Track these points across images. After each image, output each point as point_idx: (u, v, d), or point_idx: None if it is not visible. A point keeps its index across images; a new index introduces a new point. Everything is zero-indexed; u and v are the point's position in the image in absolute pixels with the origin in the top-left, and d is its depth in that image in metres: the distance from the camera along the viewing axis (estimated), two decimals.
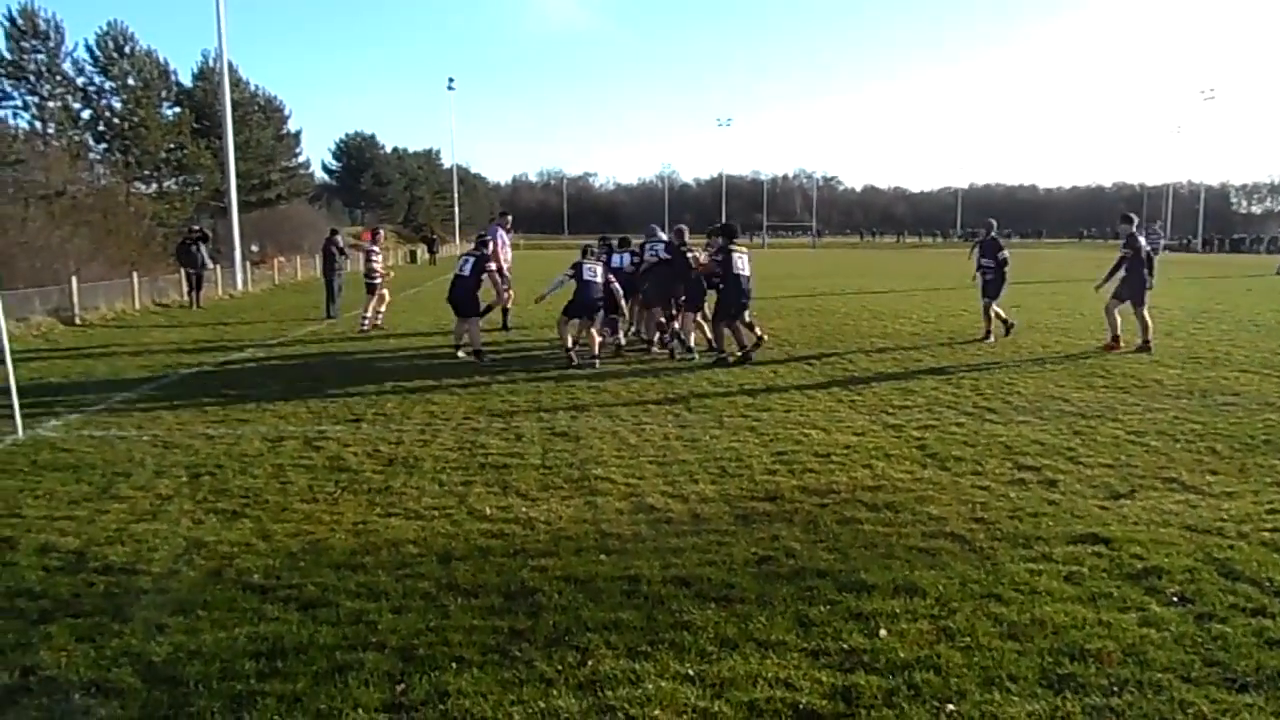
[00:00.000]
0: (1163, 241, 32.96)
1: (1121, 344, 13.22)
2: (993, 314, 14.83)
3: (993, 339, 14.48)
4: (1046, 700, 3.45)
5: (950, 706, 3.40)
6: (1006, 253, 14.74)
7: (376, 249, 18.10)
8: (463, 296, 12.78)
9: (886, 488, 6.39)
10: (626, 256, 14.04)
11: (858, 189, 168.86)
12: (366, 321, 16.64)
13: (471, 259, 13.12)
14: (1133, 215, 13.97)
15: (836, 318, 18.74)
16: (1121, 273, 13.51)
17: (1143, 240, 13.54)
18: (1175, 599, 4.42)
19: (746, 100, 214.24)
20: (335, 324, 18.36)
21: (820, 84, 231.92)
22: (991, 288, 14.76)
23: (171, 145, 41.14)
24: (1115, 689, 3.53)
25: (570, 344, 12.41)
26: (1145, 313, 13.21)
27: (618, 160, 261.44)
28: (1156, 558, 4.94)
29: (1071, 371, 11.55)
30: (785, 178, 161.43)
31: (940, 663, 3.74)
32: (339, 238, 20.49)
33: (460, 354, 12.95)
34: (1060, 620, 4.15)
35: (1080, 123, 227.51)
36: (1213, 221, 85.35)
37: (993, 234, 15.11)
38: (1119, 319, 13.45)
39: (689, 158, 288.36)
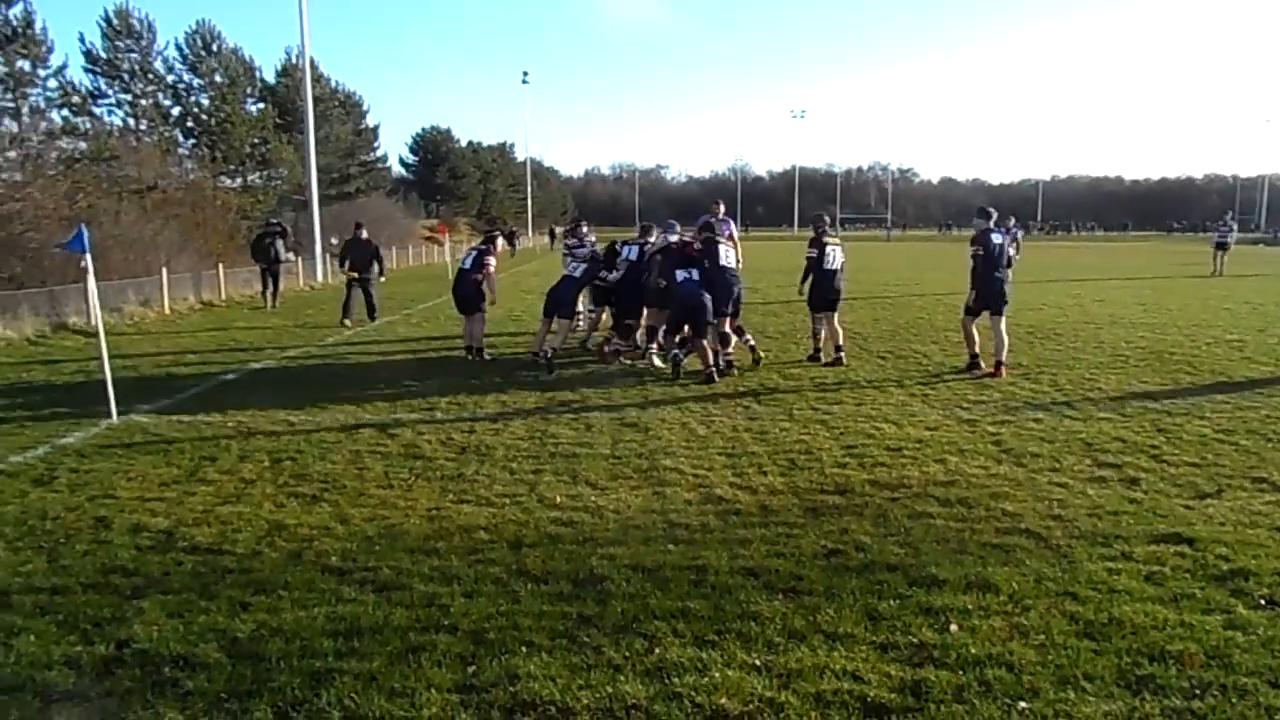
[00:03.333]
0: (1233, 236, 31.38)
1: (983, 365, 10.81)
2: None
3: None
4: (1124, 701, 3.37)
5: (1023, 704, 3.34)
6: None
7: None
8: (466, 292, 12.47)
9: (960, 483, 6.28)
10: (635, 249, 12.37)
11: (934, 181, 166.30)
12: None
13: (475, 253, 12.79)
14: (990, 209, 11.15)
15: (911, 311, 18.45)
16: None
17: (998, 237, 10.80)
18: (1263, 601, 4.27)
19: (821, 92, 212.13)
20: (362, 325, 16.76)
21: (896, 74, 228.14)
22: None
23: (255, 140, 42.44)
24: (1197, 691, 3.43)
25: (540, 343, 11.83)
26: (1003, 327, 10.70)
27: (690, 153, 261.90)
28: (1244, 559, 4.77)
29: (1156, 367, 11.18)
30: (860, 170, 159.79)
31: (1013, 660, 3.68)
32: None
33: (485, 355, 12.43)
34: (1140, 620, 4.04)
35: (1170, 112, 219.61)
36: None
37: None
38: (975, 334, 10.94)
39: (762, 150, 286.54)
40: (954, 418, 8.44)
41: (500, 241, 13.54)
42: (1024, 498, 5.93)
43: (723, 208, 13.65)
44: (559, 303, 12.11)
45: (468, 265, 12.62)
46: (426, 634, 3.97)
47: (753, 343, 11.72)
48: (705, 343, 10.60)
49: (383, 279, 18.47)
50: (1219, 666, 3.62)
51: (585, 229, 14.73)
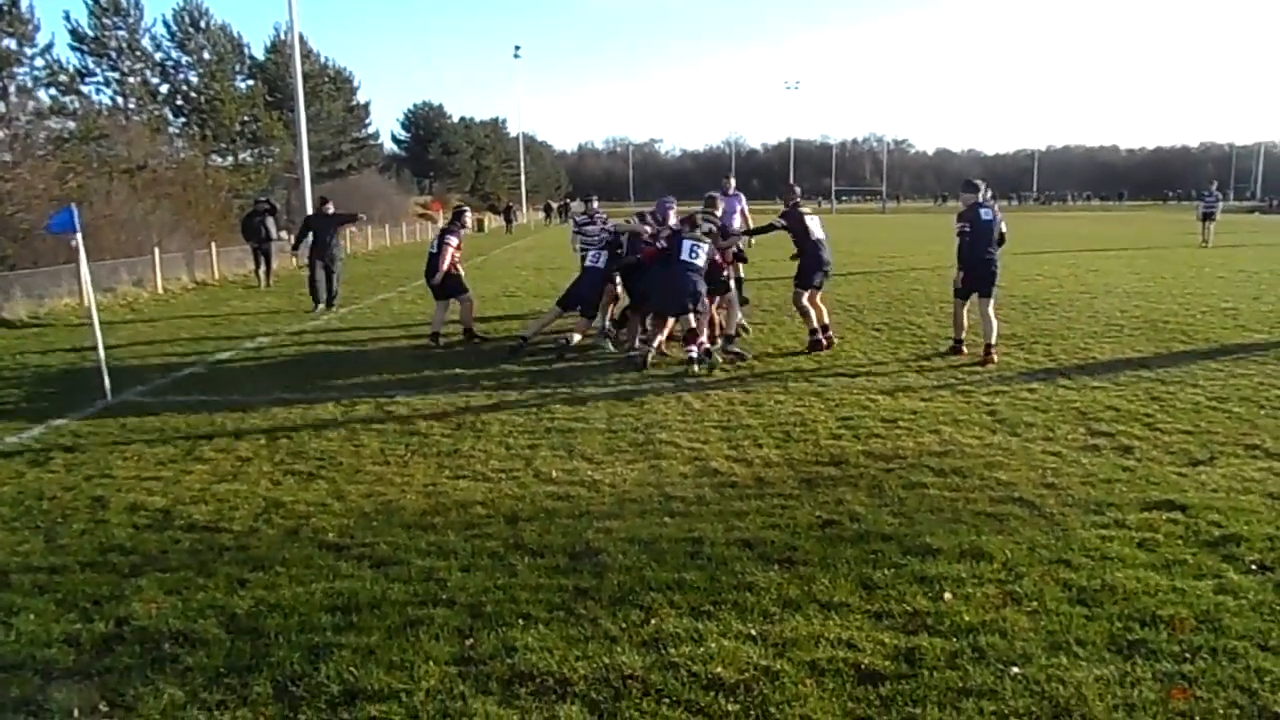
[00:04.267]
0: (1220, 206, 31.30)
1: (966, 350, 10.13)
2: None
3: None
4: (1115, 665, 3.40)
5: (1015, 669, 3.38)
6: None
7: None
8: (433, 277, 11.77)
9: (954, 453, 6.31)
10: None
11: (930, 152, 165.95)
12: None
13: (439, 234, 12.12)
14: (978, 182, 10.28)
15: (905, 283, 18.44)
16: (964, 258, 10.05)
17: (987, 213, 9.92)
18: (1254, 567, 4.30)
19: (815, 63, 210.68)
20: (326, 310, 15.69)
21: (890, 44, 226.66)
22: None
23: (246, 118, 42.13)
24: (1188, 655, 3.46)
25: (536, 330, 11.24)
26: (991, 310, 9.93)
27: (685, 126, 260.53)
28: (1236, 525, 4.81)
29: (1150, 336, 11.21)
30: (855, 141, 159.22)
31: (1006, 626, 3.71)
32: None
33: (475, 337, 11.91)
34: (1132, 586, 4.08)
35: (1164, 81, 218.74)
36: None
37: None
38: (965, 318, 10.25)
39: (757, 122, 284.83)
40: (948, 388, 8.46)
41: (470, 217, 12.69)
42: (1018, 467, 5.96)
43: (733, 182, 13.23)
44: (580, 299, 10.94)
45: (434, 249, 11.90)
46: (424, 608, 3.99)
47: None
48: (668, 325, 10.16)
49: (359, 219, 17.92)
50: (1209, 631, 3.66)
51: (596, 206, 13.47)
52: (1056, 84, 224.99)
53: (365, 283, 21.21)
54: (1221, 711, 3.10)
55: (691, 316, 9.73)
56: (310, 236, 15.71)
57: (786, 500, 5.37)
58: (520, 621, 3.84)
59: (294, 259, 20.80)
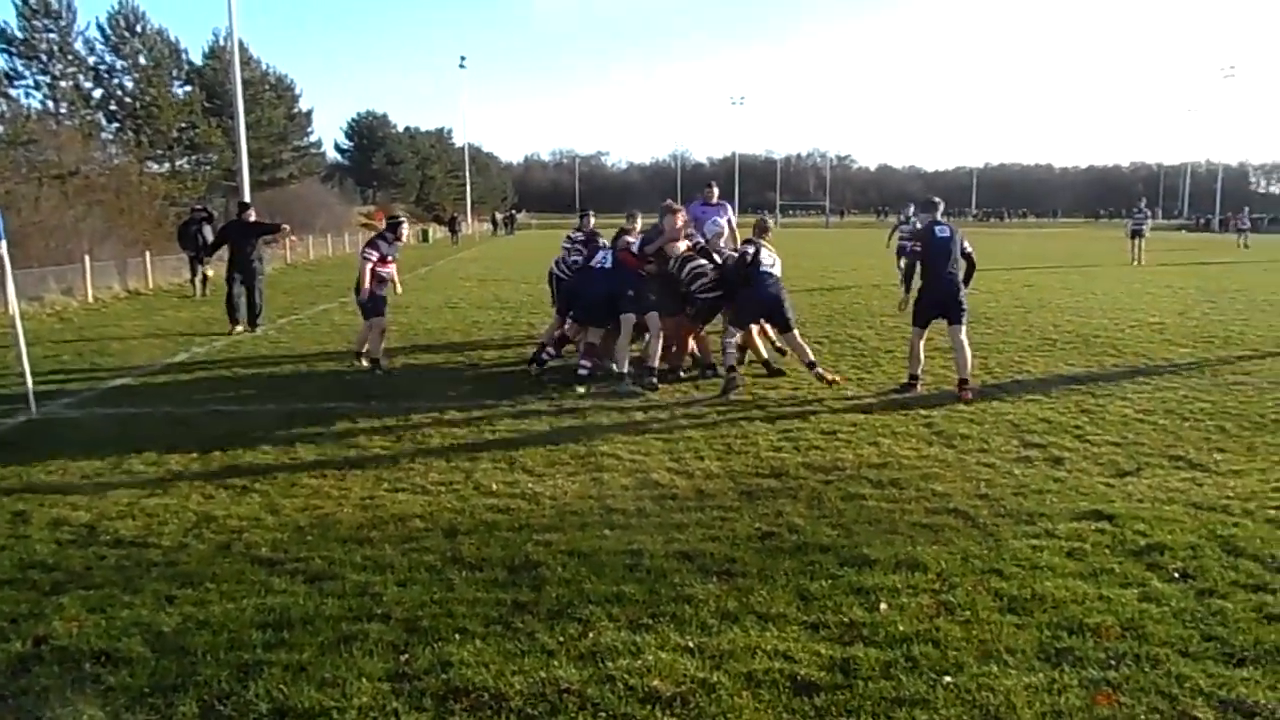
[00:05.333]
0: (1148, 224, 32.37)
1: (920, 387, 9.11)
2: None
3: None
4: (1044, 673, 3.47)
5: (948, 678, 3.42)
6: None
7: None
8: (361, 292, 10.31)
9: (892, 464, 6.40)
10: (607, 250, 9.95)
11: (872, 168, 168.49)
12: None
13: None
14: (936, 200, 9.65)
15: (847, 296, 18.69)
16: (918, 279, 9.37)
17: (944, 231, 9.00)
18: (1177, 575, 4.42)
19: (761, 78, 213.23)
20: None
21: (833, 61, 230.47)
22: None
23: (183, 124, 41.31)
24: (1113, 662, 3.55)
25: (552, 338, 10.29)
26: (964, 336, 8.87)
27: (631, 139, 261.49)
28: (1160, 534, 4.94)
29: (1081, 350, 11.50)
30: (799, 156, 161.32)
31: (939, 636, 3.77)
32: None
33: (378, 367, 10.34)
34: (1060, 595, 4.17)
35: (1097, 102, 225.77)
36: (1230, 201, 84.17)
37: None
38: (923, 352, 9.25)
39: (703, 136, 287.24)
40: (887, 401, 8.58)
41: (405, 229, 11.07)
42: (953, 478, 6.06)
43: (716, 190, 11.96)
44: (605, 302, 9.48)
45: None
46: (358, 623, 3.92)
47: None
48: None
49: (283, 231, 16.12)
50: (1134, 638, 3.75)
51: (591, 221, 11.15)
52: (995, 103, 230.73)
53: (306, 293, 20.87)
54: (1144, 716, 3.18)
55: (594, 331, 9.61)
56: (228, 248, 14.18)
57: (726, 512, 5.39)
58: (457, 636, 3.80)
59: (207, 267, 19.43)
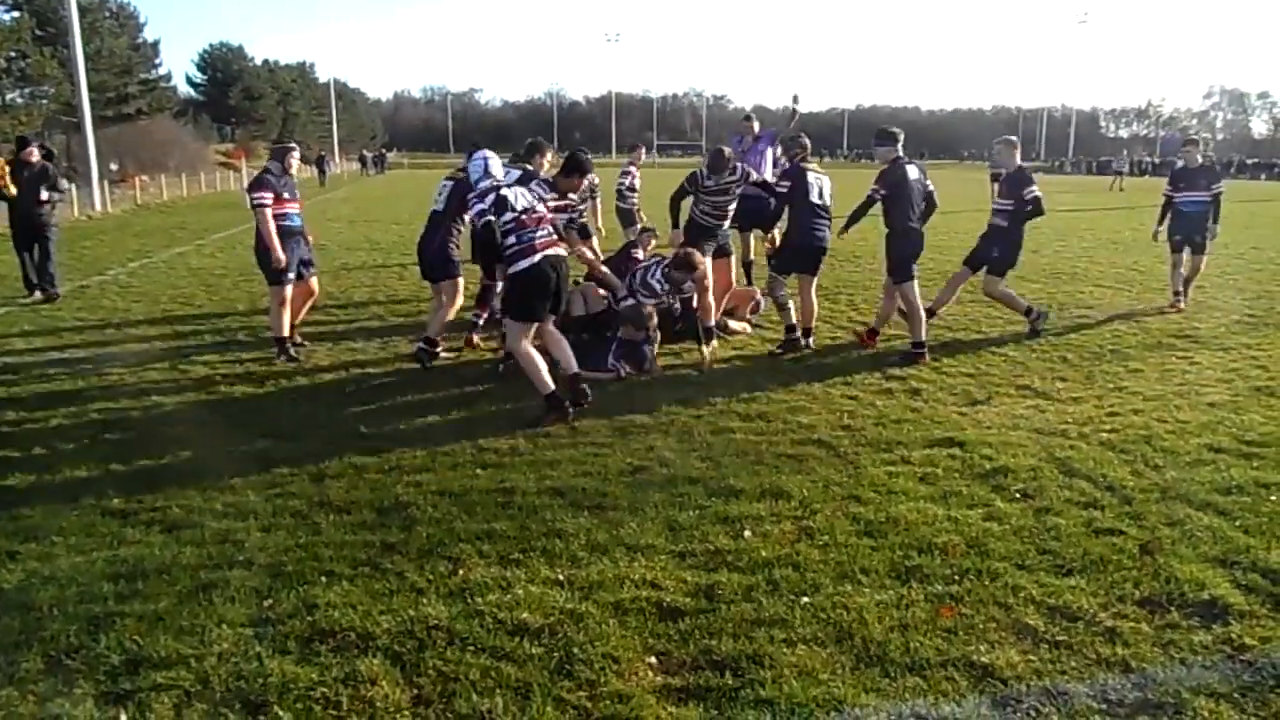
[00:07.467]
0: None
1: (876, 341, 8.46)
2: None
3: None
4: (894, 590, 3.67)
5: (805, 599, 3.58)
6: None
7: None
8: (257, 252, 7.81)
9: (760, 399, 6.57)
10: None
11: (747, 108, 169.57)
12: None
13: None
14: (895, 130, 8.14)
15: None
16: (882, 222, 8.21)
17: (915, 171, 7.92)
18: (1018, 495, 4.72)
19: (636, 16, 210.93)
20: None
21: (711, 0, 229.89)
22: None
23: (12, 54, 37.97)
24: (956, 577, 3.78)
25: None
26: (916, 293, 7.94)
27: (505, 77, 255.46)
28: (1004, 458, 5.26)
29: (942, 287, 11.94)
30: (676, 96, 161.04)
31: (799, 560, 3.93)
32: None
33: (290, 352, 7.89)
34: (913, 518, 4.40)
35: (963, 46, 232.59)
36: (1082, 144, 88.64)
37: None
38: (895, 305, 8.42)
39: (579, 74, 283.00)
40: (759, 338, 8.78)
41: (295, 159, 8.19)
42: (819, 410, 6.28)
43: (757, 124, 10.39)
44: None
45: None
46: (219, 570, 3.82)
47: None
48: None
49: (58, 197, 12.05)
50: (977, 554, 4.00)
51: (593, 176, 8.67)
52: (866, 46, 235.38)
53: (160, 235, 19.74)
54: (981, 625, 3.40)
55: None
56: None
57: (600, 448, 5.44)
58: (323, 579, 3.74)
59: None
